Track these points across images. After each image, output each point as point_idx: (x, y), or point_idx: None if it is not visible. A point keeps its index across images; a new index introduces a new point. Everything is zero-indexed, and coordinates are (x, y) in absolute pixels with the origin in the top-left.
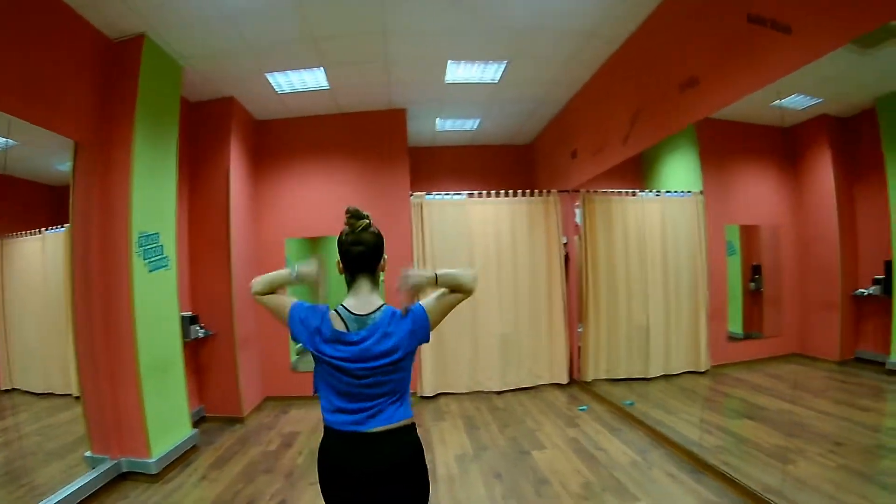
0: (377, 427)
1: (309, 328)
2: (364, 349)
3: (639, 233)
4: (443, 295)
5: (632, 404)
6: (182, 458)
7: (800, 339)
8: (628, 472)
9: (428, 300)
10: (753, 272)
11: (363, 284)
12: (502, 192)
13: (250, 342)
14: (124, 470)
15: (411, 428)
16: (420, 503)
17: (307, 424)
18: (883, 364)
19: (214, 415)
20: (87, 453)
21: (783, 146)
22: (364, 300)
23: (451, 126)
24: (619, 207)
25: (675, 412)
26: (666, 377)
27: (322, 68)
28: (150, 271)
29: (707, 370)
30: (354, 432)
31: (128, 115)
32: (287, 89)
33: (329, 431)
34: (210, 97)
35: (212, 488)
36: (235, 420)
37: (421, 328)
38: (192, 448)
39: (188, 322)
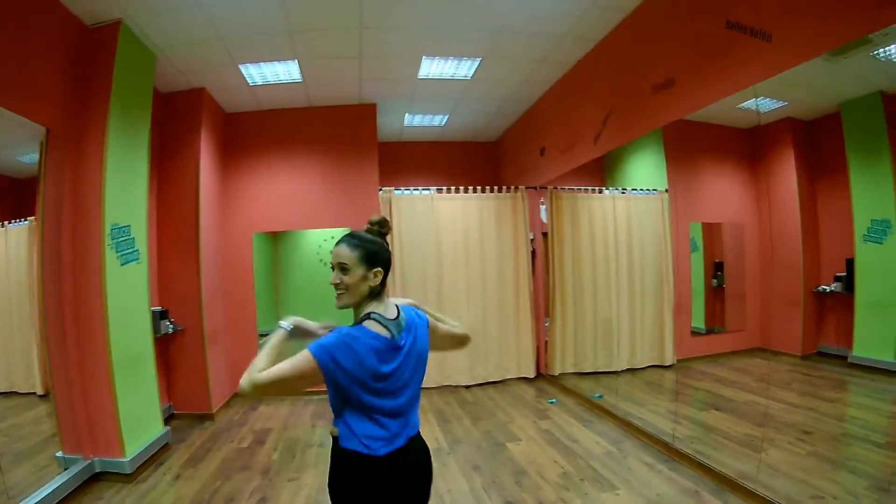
0: (416, 433)
1: (366, 364)
2: (411, 352)
3: (605, 229)
4: (453, 332)
5: (601, 397)
6: (155, 457)
7: (762, 333)
8: (604, 462)
9: (441, 325)
10: (715, 269)
11: (383, 298)
12: (470, 188)
13: (219, 337)
14: (97, 470)
15: None
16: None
17: (278, 421)
18: (845, 358)
19: (183, 412)
20: (59, 453)
21: (747, 147)
22: (387, 304)
23: (420, 122)
24: (585, 204)
25: (644, 404)
26: (631, 371)
27: (296, 61)
28: (122, 265)
29: (672, 364)
30: (402, 447)
31: (102, 103)
32: (259, 81)
33: (372, 460)
34: (181, 88)
35: (188, 487)
36: (205, 417)
37: (426, 333)
38: (164, 446)
39: (158, 317)
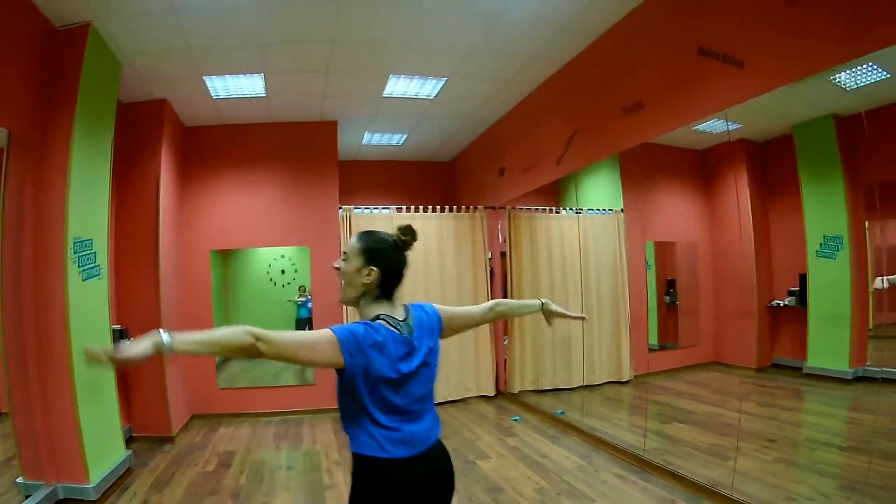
0: (436, 437)
1: (388, 353)
2: (423, 353)
3: (562, 249)
4: (469, 313)
5: (563, 413)
6: (118, 482)
7: (716, 348)
8: (577, 476)
9: (450, 310)
10: (668, 286)
11: (390, 300)
12: (430, 207)
13: (177, 358)
14: (61, 497)
15: None
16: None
17: (241, 443)
18: (800, 369)
19: (142, 434)
20: (19, 479)
21: (701, 168)
22: (394, 308)
23: (378, 140)
24: (542, 224)
25: (607, 419)
26: (589, 387)
27: (262, 74)
28: (84, 280)
29: (629, 380)
30: (420, 453)
31: (68, 109)
32: (223, 95)
33: (386, 463)
34: (142, 98)
35: None
36: (165, 440)
37: (438, 326)
38: (126, 471)
39: (118, 335)
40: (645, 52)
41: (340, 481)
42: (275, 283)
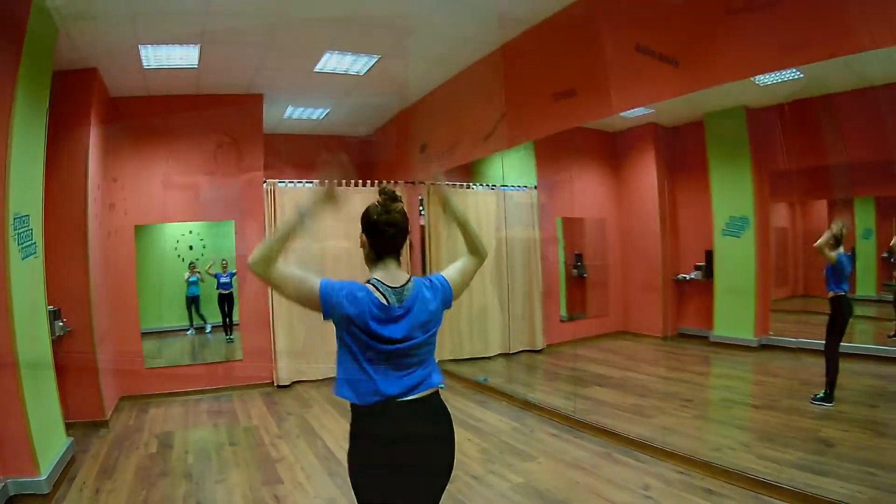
0: (421, 393)
1: (359, 305)
2: (409, 323)
3: (478, 223)
4: (463, 265)
5: (486, 380)
6: (65, 472)
7: (625, 318)
8: (515, 437)
9: (449, 270)
10: (577, 259)
11: (390, 262)
12: (352, 181)
13: (106, 339)
14: (11, 493)
15: (438, 394)
16: (450, 468)
17: (176, 423)
18: (706, 338)
19: (76, 420)
20: None
21: (612, 148)
22: (393, 274)
23: (299, 114)
24: (460, 200)
25: (530, 385)
26: (505, 355)
27: (198, 46)
28: (23, 259)
29: (542, 348)
30: (401, 401)
31: (10, 77)
32: (154, 65)
33: (366, 409)
34: (72, 67)
35: (114, 500)
36: (100, 424)
37: (446, 297)
38: (70, 459)
39: (52, 317)
40: (582, 43)
41: (288, 453)
42: (182, 259)
